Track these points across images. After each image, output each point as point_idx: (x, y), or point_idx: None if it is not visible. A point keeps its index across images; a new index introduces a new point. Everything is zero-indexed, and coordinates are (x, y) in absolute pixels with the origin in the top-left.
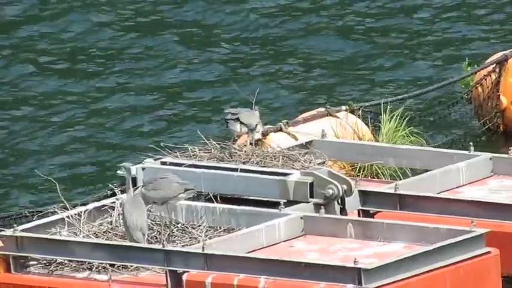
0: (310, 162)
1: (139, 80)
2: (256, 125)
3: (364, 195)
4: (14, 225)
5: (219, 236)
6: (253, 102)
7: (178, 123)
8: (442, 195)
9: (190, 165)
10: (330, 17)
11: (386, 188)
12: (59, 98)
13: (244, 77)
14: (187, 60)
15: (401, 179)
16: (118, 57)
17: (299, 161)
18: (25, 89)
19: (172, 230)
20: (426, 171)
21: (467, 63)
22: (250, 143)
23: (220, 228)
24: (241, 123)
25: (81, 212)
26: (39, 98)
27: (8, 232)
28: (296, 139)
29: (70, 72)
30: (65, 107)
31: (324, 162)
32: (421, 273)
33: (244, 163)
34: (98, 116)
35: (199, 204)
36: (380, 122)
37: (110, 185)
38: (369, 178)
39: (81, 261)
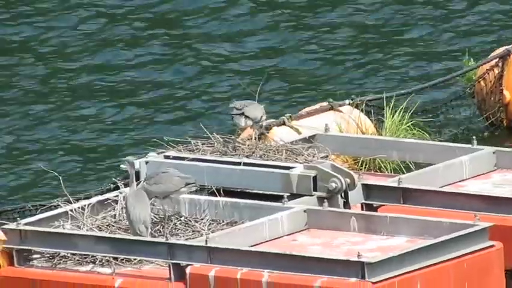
0: (313, 156)
1: (141, 73)
2: (261, 117)
3: (367, 188)
4: (18, 218)
5: (222, 229)
6: (257, 95)
7: (181, 117)
8: (445, 189)
9: (193, 159)
10: (335, 10)
11: (390, 181)
12: (61, 94)
13: (248, 70)
14: (189, 54)
15: (403, 173)
16: (119, 52)
17: (302, 155)
18: (28, 85)
19: (175, 223)
20: (429, 165)
21: (467, 57)
22: (255, 137)
23: (223, 221)
24: (246, 116)
25: (84, 205)
26: (42, 92)
27: (12, 225)
28: (299, 133)
29: (71, 69)
30: (68, 101)
31: (327, 156)
32: (425, 267)
33: (247, 157)
34: (101, 109)
35: (202, 197)
36: (383, 116)
37: (113, 179)
38: (372, 172)
39: (84, 255)
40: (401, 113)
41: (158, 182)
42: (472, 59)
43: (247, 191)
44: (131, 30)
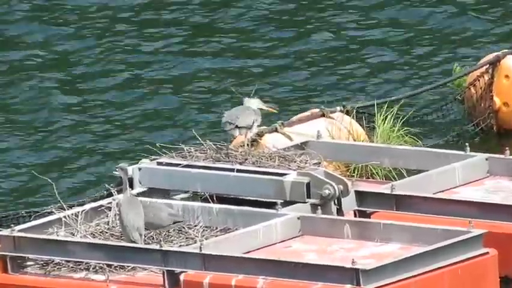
0: (306, 163)
1: (135, 80)
2: (254, 122)
3: (360, 195)
4: (11, 225)
5: (215, 236)
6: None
7: (174, 123)
8: (439, 196)
9: (186, 166)
10: (325, 16)
11: (383, 188)
12: (56, 99)
13: (240, 76)
14: (183, 59)
15: (395, 180)
16: (113, 57)
17: (295, 162)
18: (22, 91)
19: (169, 230)
20: (421, 171)
21: (456, 64)
22: (247, 144)
23: (217, 228)
24: (240, 128)
25: (78, 212)
26: (35, 99)
27: (5, 232)
28: (291, 140)
29: (65, 74)
30: (62, 108)
31: (319, 163)
32: (419, 274)
33: (240, 163)
34: (94, 116)
35: (196, 204)
36: (374, 123)
37: (106, 186)
38: (364, 178)
39: (78, 262)
40: (392, 119)
41: (148, 214)
42: (458, 66)
43: (241, 197)
44: (126, 37)
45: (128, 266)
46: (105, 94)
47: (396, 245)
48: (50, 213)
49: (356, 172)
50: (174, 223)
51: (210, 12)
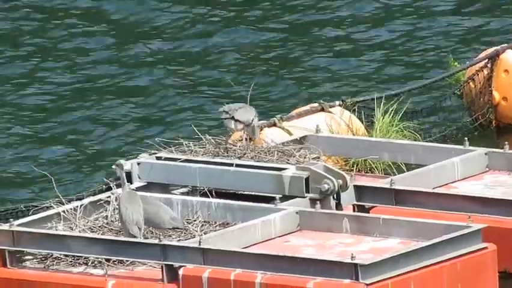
0: (305, 157)
1: (134, 74)
2: (253, 119)
3: (359, 190)
4: (10, 219)
5: (214, 230)
6: (248, 97)
7: (173, 118)
8: (438, 191)
9: (185, 160)
10: (322, 11)
11: (382, 183)
12: (52, 95)
13: (240, 71)
14: (181, 55)
15: (394, 174)
16: (111, 53)
17: (294, 156)
18: (20, 84)
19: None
20: (420, 166)
21: (452, 59)
22: (246, 139)
23: (216, 223)
24: (236, 120)
25: (77, 206)
26: (34, 94)
27: (4, 227)
28: (290, 134)
29: (63, 68)
30: (59, 103)
31: (318, 157)
32: (418, 269)
33: (239, 158)
34: (93, 110)
35: (195, 199)
36: (373, 118)
37: (105, 180)
38: (363, 173)
39: (77, 256)
40: (392, 114)
41: (148, 210)
42: (453, 59)
43: (239, 192)
44: (123, 32)
45: (127, 261)
46: (104, 89)
47: (395, 240)
48: (49, 207)
49: (355, 166)
50: (173, 228)
51: (209, 9)
